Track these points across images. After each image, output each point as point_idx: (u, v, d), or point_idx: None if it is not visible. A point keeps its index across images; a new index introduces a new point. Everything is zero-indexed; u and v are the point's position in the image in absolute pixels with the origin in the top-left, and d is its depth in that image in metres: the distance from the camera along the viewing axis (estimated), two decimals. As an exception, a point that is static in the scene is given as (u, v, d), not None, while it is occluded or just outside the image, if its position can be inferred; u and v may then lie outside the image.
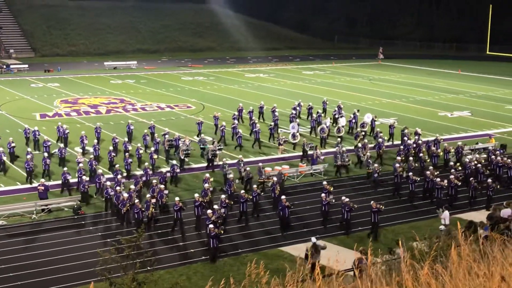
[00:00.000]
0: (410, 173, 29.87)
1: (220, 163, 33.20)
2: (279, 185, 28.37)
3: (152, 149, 34.50)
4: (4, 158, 33.16)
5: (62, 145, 35.55)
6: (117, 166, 30.90)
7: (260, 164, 32.23)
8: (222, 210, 24.88)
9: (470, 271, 9.60)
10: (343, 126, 41.96)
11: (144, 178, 29.56)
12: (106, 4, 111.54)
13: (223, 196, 26.19)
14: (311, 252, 20.37)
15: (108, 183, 27.98)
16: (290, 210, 25.64)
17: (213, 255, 22.45)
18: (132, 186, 27.48)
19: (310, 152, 35.95)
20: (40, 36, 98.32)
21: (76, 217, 27.07)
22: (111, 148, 34.02)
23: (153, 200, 25.73)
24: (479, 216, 26.00)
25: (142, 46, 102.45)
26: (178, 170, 31.71)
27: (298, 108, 46.94)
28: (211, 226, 22.44)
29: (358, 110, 45.44)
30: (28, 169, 31.04)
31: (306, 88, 65.48)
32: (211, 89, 64.12)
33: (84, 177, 29.18)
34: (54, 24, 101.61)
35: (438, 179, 28.60)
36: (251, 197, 26.78)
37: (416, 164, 33.35)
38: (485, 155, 36.21)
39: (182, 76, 75.27)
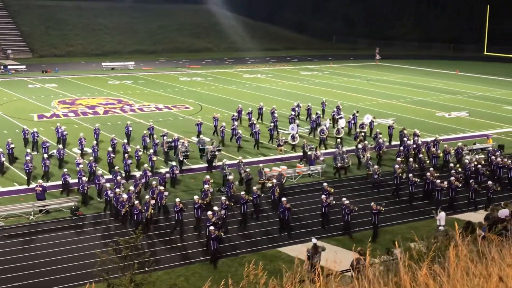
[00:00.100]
0: (410, 175, 29.78)
1: (219, 163, 33.19)
2: (279, 187, 28.34)
3: (151, 150, 34.44)
4: (3, 159, 33.10)
5: (61, 146, 35.52)
6: (116, 167, 30.85)
7: (261, 165, 32.22)
8: (222, 212, 24.80)
9: (468, 271, 9.60)
10: (342, 128, 41.93)
11: (143, 180, 29.50)
12: (104, 4, 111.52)
13: (223, 197, 26.13)
14: (311, 253, 20.38)
15: (108, 184, 27.94)
16: (291, 212, 25.58)
17: (213, 257, 22.38)
18: (132, 188, 27.44)
19: (308, 153, 35.96)
20: (37, 37, 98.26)
21: (74, 218, 27.05)
22: (110, 149, 33.97)
23: (152, 201, 25.69)
24: (478, 216, 25.99)
25: (140, 47, 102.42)
26: (177, 172, 31.64)
27: (297, 109, 46.91)
28: (211, 228, 22.37)
29: (357, 111, 45.40)
30: (27, 171, 30.95)
31: (304, 89, 65.49)
32: (208, 90, 64.11)
33: (84, 178, 29.14)
34: (52, 25, 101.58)
35: (438, 181, 28.50)
36: (251, 198, 26.73)
37: (416, 165, 33.25)
38: (482, 155, 36.21)
39: (180, 77, 75.25)
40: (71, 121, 46.72)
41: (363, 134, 40.23)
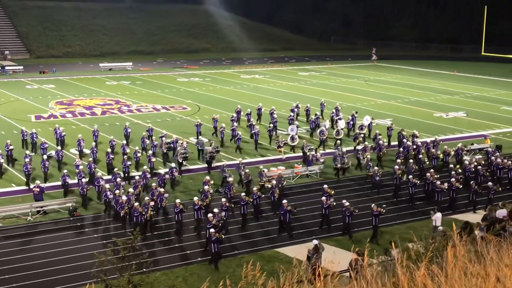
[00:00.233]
0: (410, 176, 29.74)
1: (219, 164, 33.15)
2: (278, 189, 28.31)
3: (150, 152, 34.38)
4: (2, 160, 33.01)
5: (59, 147, 35.44)
6: (115, 169, 30.78)
7: (261, 166, 32.20)
8: (223, 214, 24.73)
9: (466, 272, 9.61)
10: (342, 129, 41.90)
11: (142, 182, 29.43)
12: (102, 5, 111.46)
13: (223, 199, 26.06)
14: (312, 253, 20.35)
15: (107, 185, 27.89)
16: (292, 214, 25.53)
17: (214, 259, 22.30)
18: (131, 189, 27.39)
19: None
20: (35, 38, 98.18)
21: (71, 218, 27.02)
22: (109, 150, 33.88)
23: (152, 203, 25.62)
24: (477, 217, 25.98)
25: (138, 48, 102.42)
26: (176, 174, 31.53)
27: (296, 110, 46.89)
28: (212, 230, 22.29)
29: (356, 112, 45.36)
30: (26, 173, 30.85)
31: (301, 89, 65.50)
32: (206, 90, 64.11)
33: (83, 180, 29.06)
34: (49, 26, 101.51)
35: (438, 182, 28.44)
36: (251, 200, 26.66)
37: (416, 166, 33.20)
38: (480, 156, 36.20)
39: (177, 77, 75.24)
40: (68, 121, 46.67)
41: (362, 135, 40.22)
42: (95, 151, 34.63)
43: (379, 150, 36.05)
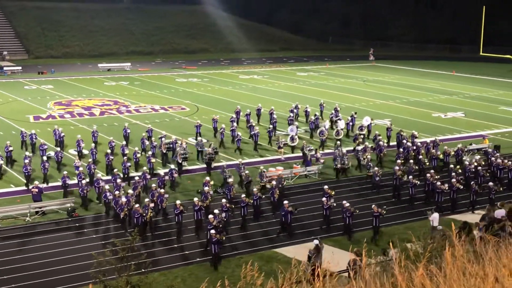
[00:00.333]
0: (410, 177, 29.71)
1: (218, 164, 33.12)
2: (278, 189, 28.27)
3: (150, 152, 34.31)
4: (1, 162, 32.95)
5: (58, 148, 35.37)
6: (115, 170, 30.73)
7: (262, 167, 32.19)
8: (223, 215, 24.68)
9: (464, 272, 9.61)
10: (342, 129, 41.88)
11: (142, 183, 29.38)
12: (100, 6, 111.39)
13: (223, 200, 26.02)
14: (313, 254, 20.34)
15: (107, 186, 27.84)
16: (293, 215, 25.51)
17: (214, 261, 22.23)
18: (130, 191, 27.35)
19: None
20: (33, 38, 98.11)
21: (70, 219, 27.01)
22: (108, 151, 33.79)
23: (152, 205, 25.59)
24: (476, 217, 25.96)
25: (136, 48, 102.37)
26: (176, 175, 31.44)
27: (295, 110, 46.84)
28: (212, 231, 22.26)
29: (355, 113, 45.32)
30: (26, 174, 30.76)
31: (300, 90, 65.52)
32: (205, 91, 64.09)
33: (83, 181, 29.00)
34: (48, 26, 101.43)
35: (439, 183, 28.38)
36: (252, 201, 26.58)
37: (416, 167, 33.09)
38: (478, 156, 36.18)
39: (176, 78, 75.22)
40: (67, 122, 46.64)
41: (362, 136, 40.19)
42: (94, 152, 34.55)
43: (380, 151, 36.01)
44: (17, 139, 38.24)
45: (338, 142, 37.91)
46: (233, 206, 26.33)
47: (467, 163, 32.81)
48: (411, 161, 33.29)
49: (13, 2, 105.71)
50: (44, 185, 30.42)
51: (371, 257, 15.99)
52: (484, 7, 75.61)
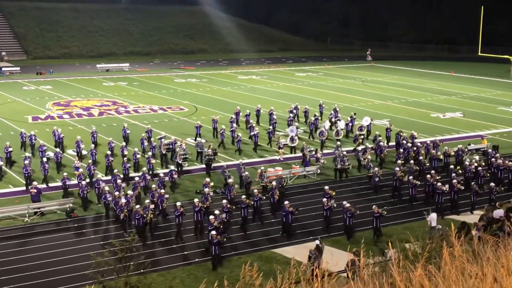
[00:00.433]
0: (411, 177, 29.66)
1: (218, 165, 33.09)
2: (278, 190, 28.23)
3: (150, 153, 34.26)
4: (1, 163, 32.86)
5: (58, 149, 35.30)
6: (115, 171, 30.69)
7: (263, 167, 32.16)
8: (223, 215, 24.64)
9: (463, 272, 9.62)
10: (341, 129, 41.83)
11: (142, 184, 29.36)
12: (99, 6, 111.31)
13: (224, 201, 25.97)
14: (313, 254, 20.32)
15: (107, 188, 27.76)
16: (294, 216, 25.46)
17: (215, 262, 22.16)
18: (130, 192, 27.33)
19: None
20: (32, 39, 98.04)
21: (69, 220, 27.00)
22: (108, 152, 33.70)
23: (152, 206, 25.55)
24: (475, 218, 25.94)
25: (135, 49, 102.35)
26: (176, 176, 31.34)
27: (295, 111, 46.73)
28: (213, 232, 22.21)
29: (355, 114, 45.26)
30: (26, 175, 30.65)
31: (299, 90, 65.51)
32: (203, 91, 64.08)
33: (83, 182, 28.92)
34: (47, 27, 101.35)
35: (439, 184, 28.29)
36: (252, 202, 26.51)
37: (417, 167, 32.93)
38: (477, 156, 36.16)
39: (174, 78, 75.19)
40: (65, 122, 46.62)
41: (362, 136, 40.15)
42: (94, 153, 34.45)
43: (380, 151, 35.97)
44: (16, 139, 38.19)
45: (338, 143, 37.86)
46: (234, 207, 26.25)
47: (467, 163, 32.72)
48: (412, 161, 33.26)
49: (12, 2, 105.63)
50: (43, 186, 30.39)
51: (370, 257, 16.02)
52: (482, 7, 75.70)
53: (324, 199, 26.16)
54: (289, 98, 57.80)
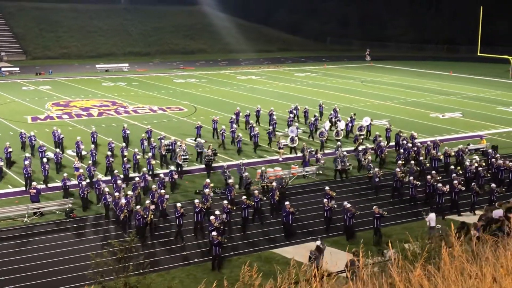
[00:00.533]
0: (411, 178, 29.61)
1: (218, 165, 33.07)
2: (279, 191, 28.18)
3: (150, 154, 34.22)
4: (1, 163, 32.79)
5: (58, 150, 35.26)
6: (115, 171, 30.65)
7: (263, 168, 32.14)
8: (224, 216, 24.58)
9: (462, 272, 9.63)
10: (342, 130, 41.79)
11: (142, 184, 29.32)
12: (98, 6, 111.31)
13: (225, 201, 25.92)
14: (314, 254, 20.31)
15: (107, 189, 27.70)
16: (294, 216, 25.42)
17: (216, 263, 22.09)
18: (130, 192, 27.32)
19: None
20: (31, 39, 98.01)
21: (68, 220, 26.99)
22: (108, 153, 33.63)
23: (152, 207, 25.53)
24: (474, 218, 25.96)
25: (134, 49, 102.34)
26: (176, 176, 31.29)
27: (295, 111, 46.62)
28: (214, 233, 22.16)
29: (354, 114, 45.22)
30: (26, 175, 30.57)
31: (298, 90, 65.53)
32: (203, 91, 64.08)
33: (83, 183, 28.84)
34: (46, 27, 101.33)
35: (440, 184, 28.23)
36: (252, 203, 26.44)
37: (417, 168, 32.83)
38: (476, 156, 36.15)
39: (174, 78, 75.19)
40: (65, 123, 46.60)
41: (362, 136, 40.11)
42: (94, 154, 34.38)
43: (381, 152, 35.92)
44: (15, 140, 38.16)
45: (339, 143, 37.82)
46: (234, 208, 26.19)
47: (467, 164, 32.62)
48: (412, 162, 33.19)
49: (12, 2, 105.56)
50: (43, 186, 30.36)
51: (369, 257, 16.02)
52: (481, 7, 75.75)
53: (325, 200, 26.09)
54: (289, 98, 57.81)
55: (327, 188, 27.96)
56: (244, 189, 30.19)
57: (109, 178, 31.13)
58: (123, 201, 25.51)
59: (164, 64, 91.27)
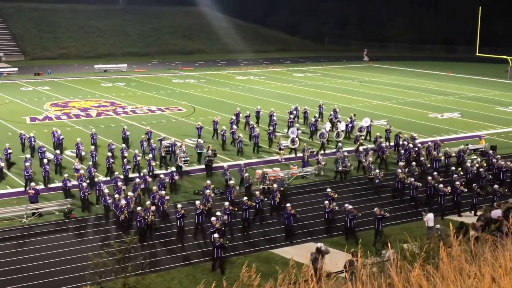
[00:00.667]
0: (412, 179, 29.54)
1: (218, 165, 33.04)
2: (279, 192, 28.11)
3: (150, 155, 34.14)
4: (2, 164, 32.74)
5: (58, 151, 35.21)
6: (116, 173, 30.61)
7: (265, 169, 32.12)
8: (225, 217, 24.52)
9: (461, 272, 9.63)
10: (342, 131, 41.72)
11: (142, 186, 29.26)
12: (96, 7, 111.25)
13: (226, 203, 25.86)
14: (314, 256, 20.29)
15: (106, 190, 27.63)
16: (295, 218, 25.34)
17: (218, 265, 22.04)
18: (130, 193, 27.29)
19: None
20: (30, 39, 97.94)
21: (67, 221, 26.96)
22: (109, 154, 33.56)
23: (153, 208, 25.51)
24: (473, 218, 25.93)
25: (133, 49, 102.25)
26: (176, 178, 31.20)
27: (295, 112, 46.40)
28: (215, 235, 22.10)
29: (354, 115, 45.17)
30: (27, 177, 30.49)
31: (297, 91, 65.52)
32: (202, 92, 64.05)
33: (84, 184, 28.74)
34: (44, 28, 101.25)
35: (441, 185, 28.20)
36: (254, 204, 26.42)
37: (418, 169, 32.73)
38: (475, 156, 36.14)
39: (172, 79, 75.16)
40: (63, 123, 46.55)
41: (362, 137, 40.07)
42: (94, 155, 34.25)
43: (382, 153, 35.87)
44: (14, 140, 38.12)
45: (340, 144, 37.72)
46: (236, 209, 26.09)
47: (468, 164, 32.49)
48: (414, 163, 33.09)
49: (10, 3, 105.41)
50: (41, 187, 30.32)
51: (368, 258, 16.02)
52: (480, 7, 75.81)
53: (326, 202, 25.94)
54: (287, 99, 57.82)
55: (328, 189, 27.74)
56: (244, 189, 30.12)
57: (110, 178, 31.06)
58: (123, 202, 25.49)
59: (163, 65, 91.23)
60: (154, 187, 28.31)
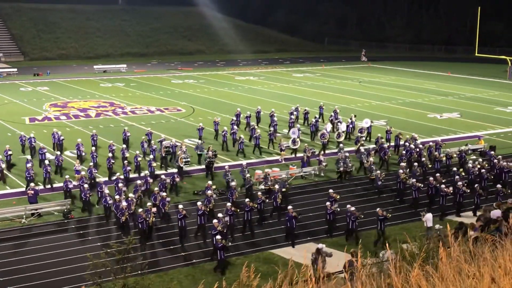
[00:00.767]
0: (414, 180, 29.51)
1: (218, 165, 33.03)
2: (281, 193, 28.07)
3: (151, 156, 34.11)
4: (3, 165, 32.68)
5: (58, 152, 35.15)
6: (117, 174, 30.56)
7: (267, 170, 32.09)
8: (227, 218, 24.46)
9: (460, 272, 9.64)
10: (343, 131, 41.69)
11: (143, 187, 29.18)
12: (96, 7, 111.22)
13: (228, 204, 25.82)
14: (314, 257, 20.28)
15: (107, 191, 27.58)
16: (297, 220, 25.31)
17: (221, 267, 21.97)
18: (131, 195, 27.27)
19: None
20: (29, 40, 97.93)
21: (66, 221, 26.96)
22: (110, 155, 33.47)
23: (154, 209, 25.49)
24: (473, 218, 25.93)
25: (132, 50, 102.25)
26: (178, 179, 31.10)
27: (295, 113, 46.32)
28: (218, 237, 22.04)
29: (355, 116, 45.16)
30: (29, 178, 30.43)
31: (296, 91, 65.54)
32: (201, 92, 64.06)
33: (85, 186, 28.61)
34: (44, 28, 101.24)
35: (443, 186, 28.15)
36: (256, 205, 26.34)
37: (420, 169, 32.74)
38: (475, 156, 36.12)
39: (172, 79, 75.16)
40: (62, 124, 46.54)
41: (363, 138, 40.05)
42: (95, 156, 34.17)
43: (384, 154, 35.83)
44: (13, 141, 38.12)
45: (341, 145, 37.68)
46: (238, 210, 26.00)
47: (470, 165, 32.41)
48: (416, 164, 33.06)
49: (9, 3, 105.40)
50: (41, 187, 30.31)
51: (367, 258, 16.03)
52: (479, 8, 75.84)
53: (328, 203, 25.84)
54: (287, 99, 57.84)
55: (331, 190, 27.62)
56: (245, 190, 30.06)
57: (111, 179, 31.03)
58: (124, 203, 25.46)
59: (162, 65, 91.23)
60: (156, 188, 28.28)
